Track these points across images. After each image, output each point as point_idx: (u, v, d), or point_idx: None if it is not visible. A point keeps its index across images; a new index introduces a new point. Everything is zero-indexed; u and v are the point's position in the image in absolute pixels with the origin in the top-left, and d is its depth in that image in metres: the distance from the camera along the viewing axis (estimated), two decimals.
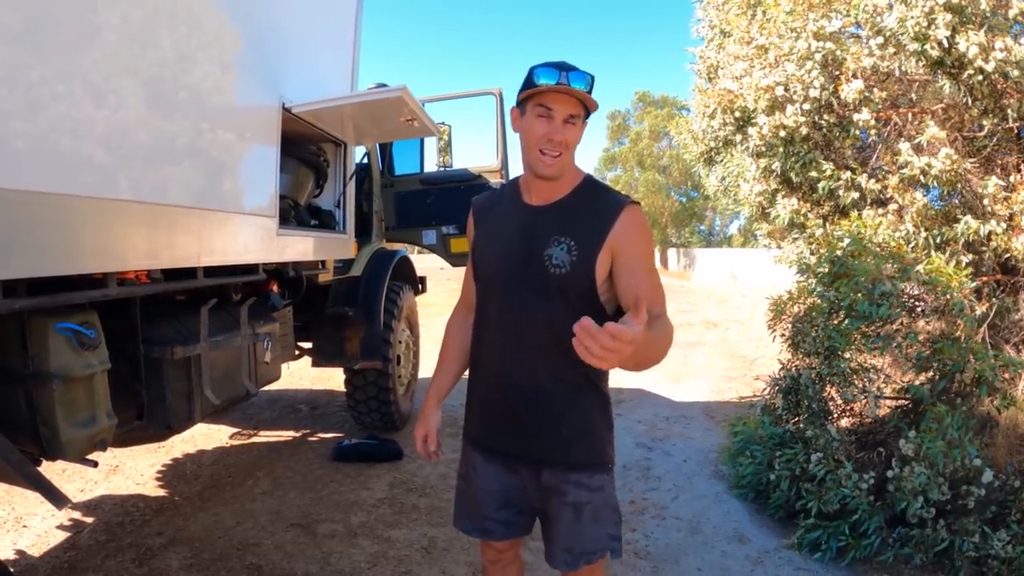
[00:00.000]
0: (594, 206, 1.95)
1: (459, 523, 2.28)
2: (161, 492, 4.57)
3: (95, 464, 2.61)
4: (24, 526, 3.98)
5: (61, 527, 3.97)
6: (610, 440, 2.09)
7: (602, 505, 2.03)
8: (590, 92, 1.85)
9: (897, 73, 5.35)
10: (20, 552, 3.68)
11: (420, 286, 6.91)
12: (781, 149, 5.85)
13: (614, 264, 1.90)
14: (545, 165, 1.89)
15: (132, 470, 4.91)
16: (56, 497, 2.37)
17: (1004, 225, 4.80)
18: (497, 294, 2.05)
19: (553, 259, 1.91)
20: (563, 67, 1.83)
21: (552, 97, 1.85)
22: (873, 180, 5.51)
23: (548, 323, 1.92)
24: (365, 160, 6.26)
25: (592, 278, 1.89)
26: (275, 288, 3.98)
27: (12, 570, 3.48)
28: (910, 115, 5.62)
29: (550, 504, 2.05)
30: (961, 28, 4.63)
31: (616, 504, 2.10)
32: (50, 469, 4.21)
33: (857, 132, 5.58)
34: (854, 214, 5.16)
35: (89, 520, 4.09)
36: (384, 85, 4.89)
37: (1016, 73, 4.58)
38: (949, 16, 4.60)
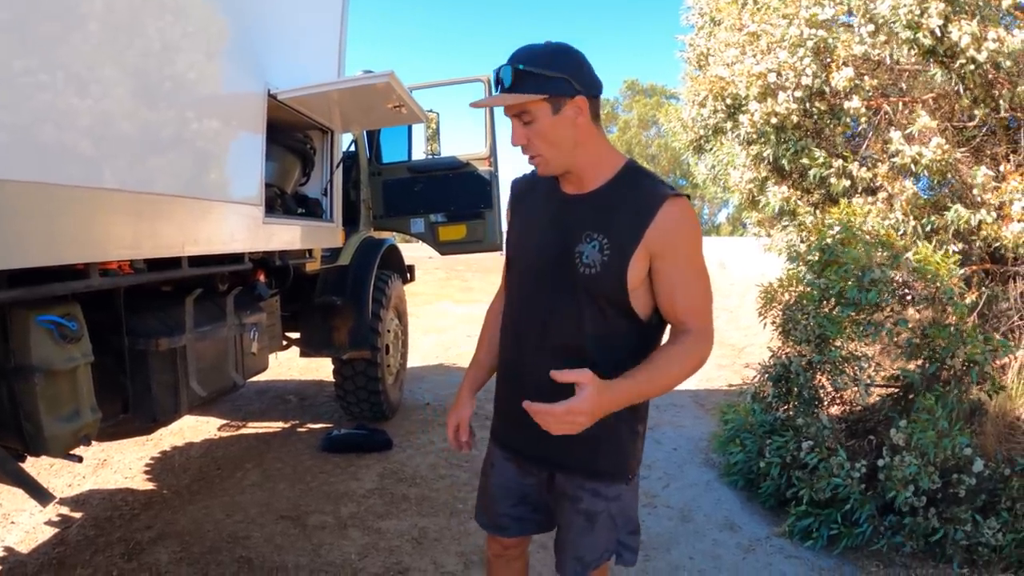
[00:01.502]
0: (632, 199, 1.76)
1: (477, 517, 2.24)
2: (149, 486, 4.53)
3: (80, 459, 2.57)
4: (12, 522, 3.93)
5: (49, 523, 3.93)
6: (633, 450, 1.95)
7: (617, 514, 1.93)
8: (515, 85, 1.69)
9: (888, 61, 5.34)
10: (8, 549, 3.64)
11: (408, 275, 6.87)
12: (772, 136, 5.84)
13: (652, 268, 1.75)
14: (535, 167, 1.82)
15: (120, 464, 4.87)
16: (40, 494, 2.32)
17: (994, 214, 4.80)
18: (525, 288, 1.93)
19: (584, 257, 1.76)
20: (497, 72, 1.73)
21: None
22: (864, 168, 5.51)
23: (574, 326, 1.80)
24: (352, 148, 6.21)
25: (623, 282, 1.73)
26: (262, 278, 3.93)
27: (0, 567, 3.45)
28: (900, 104, 5.61)
29: (561, 509, 1.97)
30: (954, 17, 4.62)
31: (632, 514, 1.99)
32: (37, 464, 4.19)
33: (848, 120, 5.58)
34: (844, 202, 5.15)
35: (77, 515, 4.05)
36: (371, 71, 4.84)
37: (1008, 64, 4.58)
38: (942, 5, 4.58)
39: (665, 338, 1.84)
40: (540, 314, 1.86)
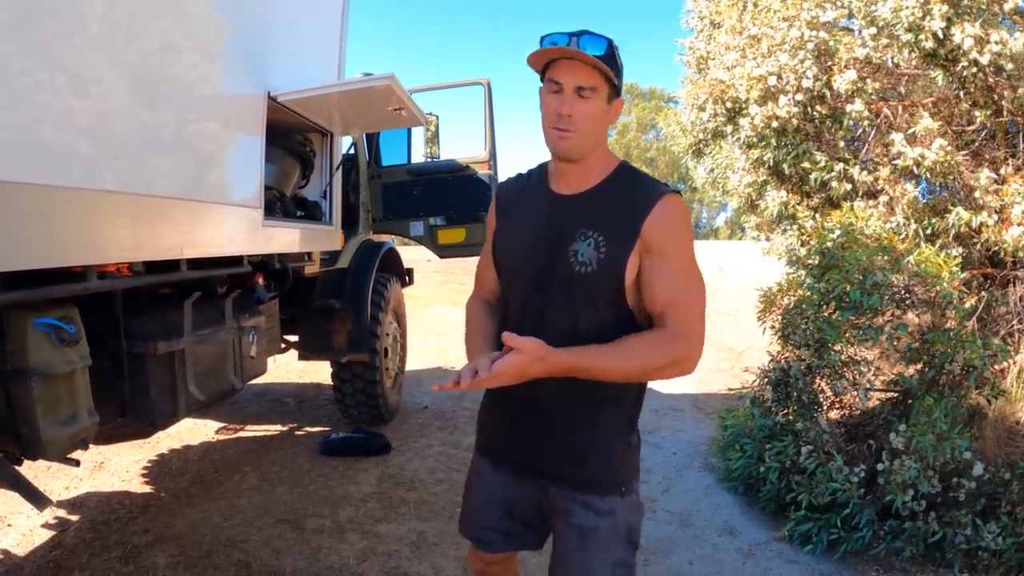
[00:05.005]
0: (627, 197, 1.73)
1: (461, 528, 2.14)
2: (147, 489, 4.51)
3: (77, 463, 2.56)
4: (8, 525, 3.91)
5: (46, 525, 3.91)
6: (628, 460, 1.87)
7: (610, 531, 1.81)
8: (607, 58, 1.65)
9: (890, 64, 5.34)
10: (4, 551, 3.62)
11: (407, 278, 6.86)
12: (773, 140, 5.85)
13: (643, 265, 1.71)
14: (557, 140, 1.71)
15: (117, 467, 4.85)
16: (37, 498, 2.31)
17: (995, 217, 4.80)
18: (517, 291, 1.87)
19: (579, 255, 1.72)
20: (575, 33, 1.64)
21: (560, 68, 1.67)
22: (865, 172, 5.50)
23: (570, 326, 1.75)
24: (352, 150, 6.21)
25: (621, 279, 1.70)
26: (260, 280, 3.92)
27: None
28: (901, 108, 5.61)
29: (556, 524, 1.88)
30: (957, 20, 4.62)
31: (628, 531, 1.85)
32: (34, 466, 4.16)
33: (849, 123, 5.58)
34: (845, 205, 5.15)
35: (74, 518, 4.03)
36: (371, 74, 4.84)
37: (1011, 66, 4.59)
38: (945, 7, 4.59)
39: None
40: (533, 315, 1.80)
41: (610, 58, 1.66)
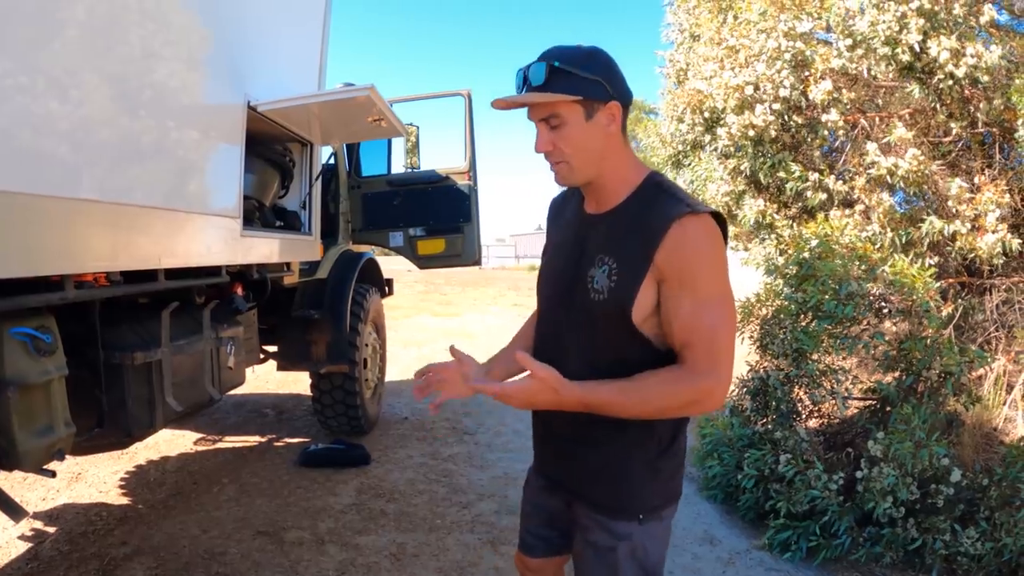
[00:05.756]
0: (644, 219, 1.61)
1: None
2: (124, 500, 4.46)
3: (53, 474, 2.53)
4: None
5: (23, 537, 3.86)
6: (651, 487, 1.75)
7: (627, 555, 1.74)
8: (550, 82, 1.55)
9: (866, 75, 5.40)
10: None
11: (387, 288, 6.85)
12: (750, 149, 5.89)
13: (662, 296, 1.59)
14: (554, 175, 1.68)
15: (95, 478, 4.80)
16: (13, 509, 2.29)
17: (968, 225, 4.85)
18: (545, 311, 1.86)
19: (594, 282, 1.64)
20: (524, 70, 1.59)
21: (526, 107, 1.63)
22: (840, 182, 5.56)
23: (585, 352, 1.70)
24: (332, 160, 6.20)
25: (627, 311, 1.59)
26: (239, 291, 3.90)
27: None
28: (877, 119, 5.67)
29: (576, 536, 1.87)
30: (933, 33, 4.68)
31: (646, 560, 1.76)
32: (10, 477, 4.11)
33: (825, 133, 5.64)
34: (821, 215, 5.19)
35: (51, 530, 3.98)
36: (352, 84, 4.84)
37: (986, 79, 4.65)
38: (922, 21, 4.65)
39: None
40: (554, 337, 1.80)
41: (561, 76, 1.56)
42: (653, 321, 1.63)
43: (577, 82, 1.56)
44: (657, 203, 1.61)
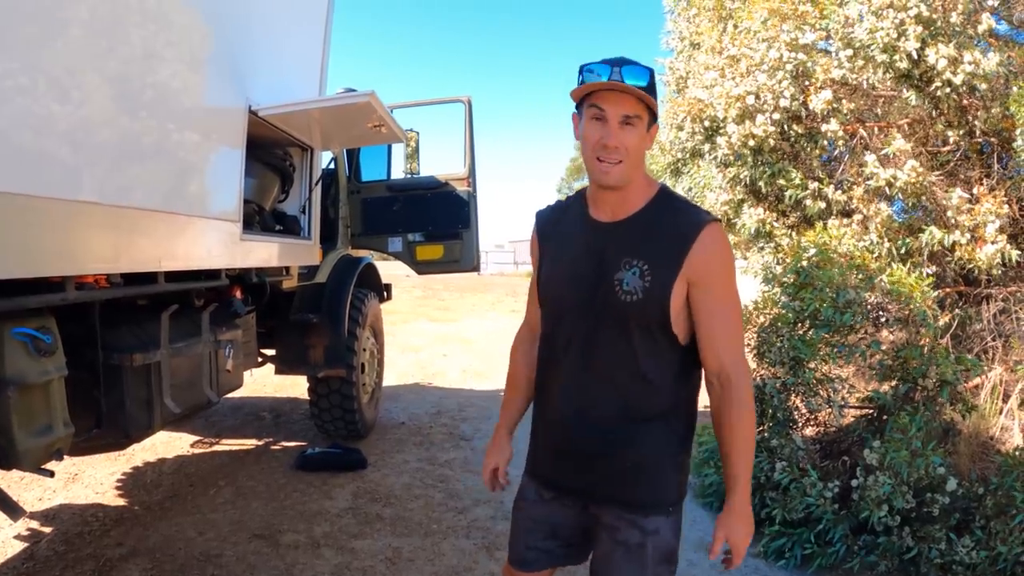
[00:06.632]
0: (671, 224, 1.76)
1: (508, 552, 2.16)
2: (121, 501, 4.47)
3: (51, 474, 2.54)
4: None
5: (19, 537, 3.86)
6: (677, 480, 1.89)
7: (653, 551, 1.84)
8: (649, 88, 1.67)
9: (865, 85, 5.42)
10: None
11: (385, 293, 6.86)
12: (750, 158, 5.90)
13: (690, 295, 1.75)
14: (602, 173, 1.72)
15: (91, 479, 4.80)
16: (11, 508, 2.30)
17: (968, 236, 4.86)
18: (564, 321, 1.88)
19: (624, 284, 1.74)
20: (616, 62, 1.66)
21: (603, 97, 1.68)
22: (839, 191, 5.57)
23: (620, 354, 1.79)
24: (332, 165, 6.21)
25: (666, 307, 1.73)
26: (238, 294, 3.91)
27: None
28: (876, 129, 5.69)
29: (599, 539, 1.92)
30: (931, 41, 4.70)
31: (670, 550, 1.88)
32: (8, 476, 4.12)
33: (825, 143, 5.65)
34: (819, 224, 5.21)
35: (47, 530, 3.98)
36: (353, 90, 4.85)
37: (984, 86, 4.67)
38: (920, 28, 4.67)
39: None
40: (580, 345, 1.84)
41: (651, 88, 1.68)
42: (680, 317, 1.77)
43: (655, 96, 1.70)
44: (680, 211, 1.79)
